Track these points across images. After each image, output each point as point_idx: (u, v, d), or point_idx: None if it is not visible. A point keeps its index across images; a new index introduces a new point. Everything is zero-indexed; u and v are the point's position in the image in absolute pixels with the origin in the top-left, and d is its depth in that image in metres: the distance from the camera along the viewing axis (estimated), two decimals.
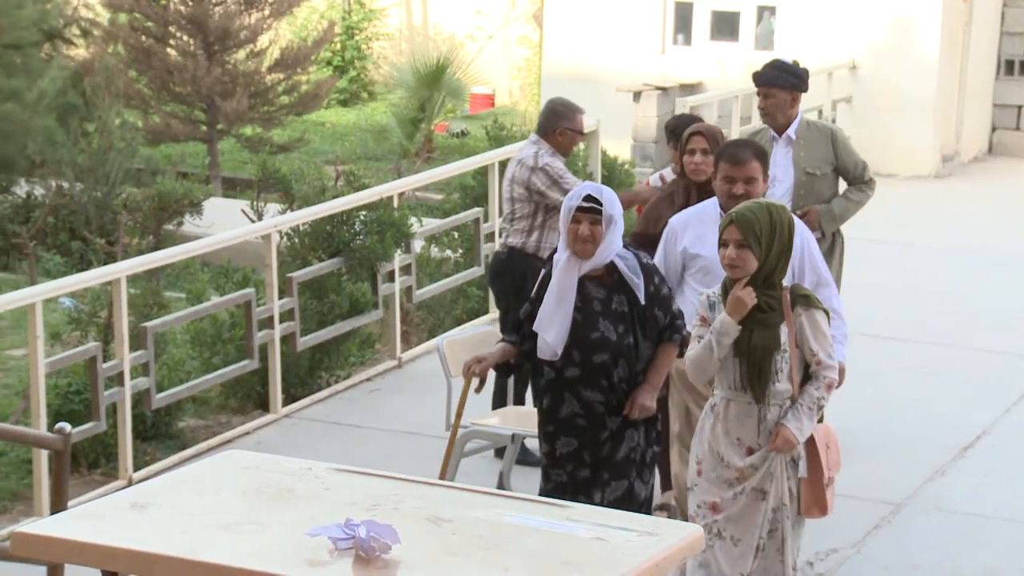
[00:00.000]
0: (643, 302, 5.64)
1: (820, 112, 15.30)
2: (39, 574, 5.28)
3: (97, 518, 3.11)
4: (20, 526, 4.73)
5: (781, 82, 7.80)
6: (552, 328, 5.63)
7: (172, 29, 17.39)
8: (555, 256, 5.75)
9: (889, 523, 7.37)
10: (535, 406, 5.85)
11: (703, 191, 6.65)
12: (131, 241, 12.36)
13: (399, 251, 9.68)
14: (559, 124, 7.81)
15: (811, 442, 5.35)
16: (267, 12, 17.64)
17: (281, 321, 8.79)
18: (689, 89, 16.85)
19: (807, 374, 5.34)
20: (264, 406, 8.88)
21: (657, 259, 6.17)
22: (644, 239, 6.67)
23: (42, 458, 7.28)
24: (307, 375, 9.26)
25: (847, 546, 7.10)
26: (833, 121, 15.47)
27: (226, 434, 8.55)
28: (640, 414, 5.60)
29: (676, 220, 6.37)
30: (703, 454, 5.38)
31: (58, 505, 5.67)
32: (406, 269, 9.86)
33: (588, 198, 5.58)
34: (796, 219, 5.74)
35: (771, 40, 17.83)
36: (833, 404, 8.54)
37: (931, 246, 12.91)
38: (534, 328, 5.71)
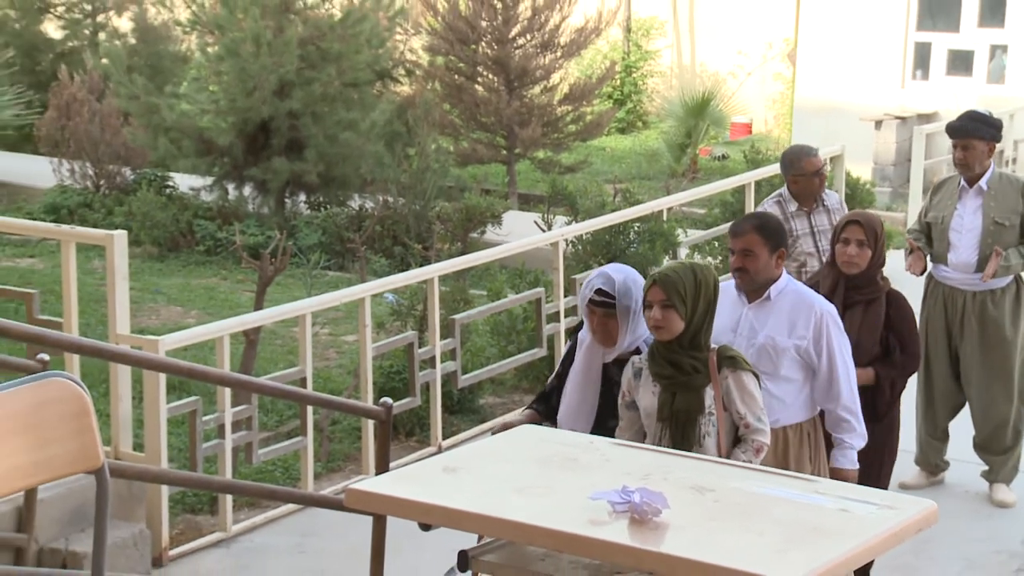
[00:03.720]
0: None
1: None
2: (366, 523, 5.40)
3: (415, 479, 3.16)
4: (352, 483, 4.85)
5: (981, 133, 7.04)
6: (579, 421, 4.72)
7: (480, 69, 17.66)
8: (580, 334, 4.81)
9: None
10: None
11: (852, 284, 5.69)
12: (443, 246, 12.55)
13: (667, 257, 9.64)
14: (787, 174, 7.20)
15: None
16: (559, 54, 17.77)
17: (566, 316, 8.84)
18: (926, 119, 16.40)
19: (738, 437, 4.49)
20: None
21: None
22: None
23: (369, 427, 7.45)
24: None
25: None
26: None
27: (519, 411, 8.63)
28: None
29: None
30: None
31: (382, 466, 5.80)
32: None
33: (599, 291, 4.58)
34: (829, 313, 5.02)
35: (1002, 75, 17.22)
36: None
37: None
38: (559, 421, 4.79)
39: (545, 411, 4.99)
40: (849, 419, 5.09)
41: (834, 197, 7.38)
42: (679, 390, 4.37)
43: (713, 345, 4.44)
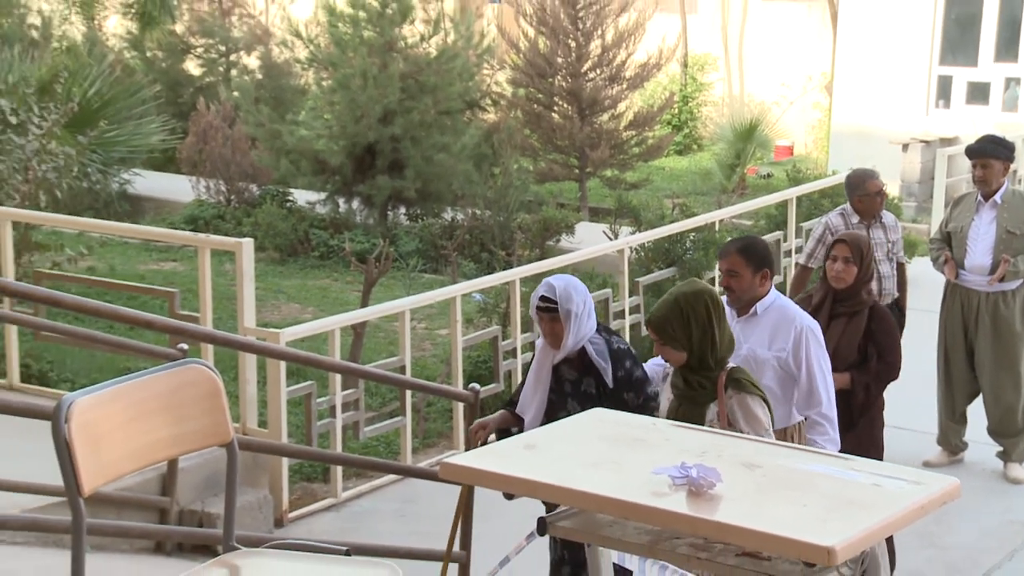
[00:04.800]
0: (611, 386, 4.46)
1: None
2: (457, 492, 5.41)
3: (499, 454, 3.15)
4: (444, 457, 4.86)
5: (998, 154, 7.00)
6: (530, 411, 4.63)
7: (556, 99, 17.65)
8: (537, 341, 4.67)
9: None
10: None
11: (839, 298, 5.56)
12: (523, 253, 12.55)
13: (718, 263, 9.56)
14: (853, 194, 7.07)
15: None
16: (625, 86, 17.72)
17: (630, 313, 8.80)
18: (947, 142, 16.15)
19: None
20: None
21: None
22: None
23: (459, 409, 7.47)
24: (648, 354, 9.21)
25: None
26: None
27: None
28: None
29: None
30: None
31: (471, 443, 5.79)
32: None
33: (542, 298, 4.44)
34: (809, 328, 4.75)
35: (1016, 104, 16.93)
36: None
37: None
38: (517, 410, 4.73)
39: (515, 410, 4.83)
40: (824, 424, 4.83)
41: (891, 217, 7.27)
42: (683, 402, 4.17)
43: (731, 365, 4.18)
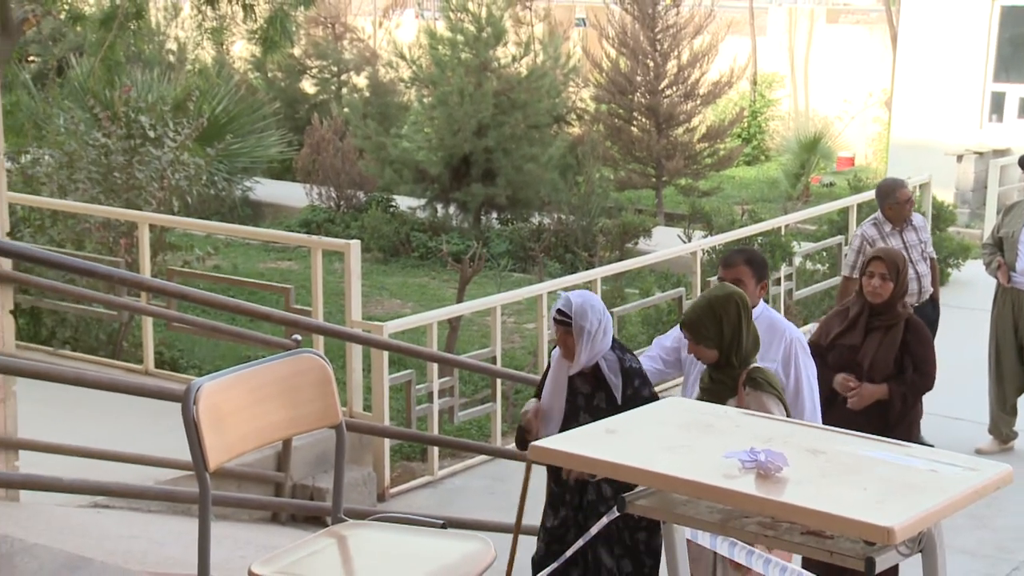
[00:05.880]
0: (619, 402, 4.10)
1: None
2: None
3: (582, 438, 3.13)
4: (533, 442, 4.81)
5: None
6: (549, 425, 4.28)
7: (635, 114, 17.56)
8: (555, 349, 4.33)
9: None
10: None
11: (875, 312, 5.20)
12: (604, 254, 12.50)
13: (784, 264, 9.45)
14: (884, 203, 6.92)
15: None
16: (698, 102, 17.58)
17: None
18: (1000, 154, 15.78)
19: None
20: None
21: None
22: (815, 349, 4.84)
23: None
24: None
25: None
26: None
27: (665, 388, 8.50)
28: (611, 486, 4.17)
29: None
30: None
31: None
32: (788, 277, 9.61)
33: (559, 311, 4.13)
34: (797, 339, 4.48)
35: None
36: None
37: None
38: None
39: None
40: None
41: (919, 218, 7.14)
42: (705, 396, 4.02)
43: (758, 364, 4.01)
